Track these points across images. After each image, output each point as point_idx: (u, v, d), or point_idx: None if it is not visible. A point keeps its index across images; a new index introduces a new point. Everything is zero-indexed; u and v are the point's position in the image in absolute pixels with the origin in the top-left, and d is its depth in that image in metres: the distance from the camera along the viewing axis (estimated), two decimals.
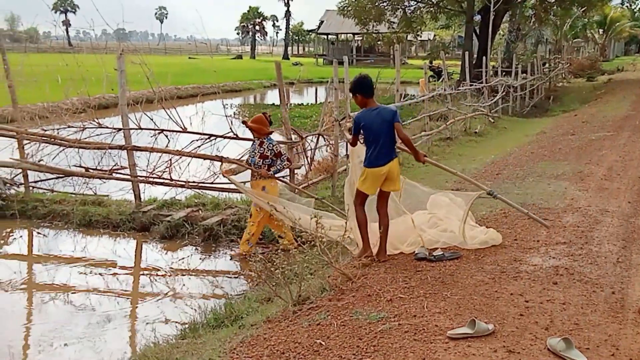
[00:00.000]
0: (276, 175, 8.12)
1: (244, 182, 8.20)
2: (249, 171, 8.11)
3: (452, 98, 18.04)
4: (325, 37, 72.46)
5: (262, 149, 7.96)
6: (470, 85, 20.60)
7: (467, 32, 32.33)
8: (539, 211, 7.81)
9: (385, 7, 34.08)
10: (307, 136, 10.17)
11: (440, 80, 20.71)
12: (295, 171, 9.45)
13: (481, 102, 20.29)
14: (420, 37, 51.07)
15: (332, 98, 10.61)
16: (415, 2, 34.77)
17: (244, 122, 8.07)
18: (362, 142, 6.26)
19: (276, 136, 17.60)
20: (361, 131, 6.15)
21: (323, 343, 4.30)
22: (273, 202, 7.41)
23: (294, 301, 5.23)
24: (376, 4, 33.33)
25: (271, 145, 7.98)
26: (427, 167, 12.60)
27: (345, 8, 34.81)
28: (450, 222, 6.78)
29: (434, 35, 66.30)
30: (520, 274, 5.55)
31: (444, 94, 16.91)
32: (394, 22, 35.85)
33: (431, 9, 34.80)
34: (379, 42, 52.75)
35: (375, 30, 37.08)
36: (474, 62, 29.80)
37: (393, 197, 6.62)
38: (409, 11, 35.17)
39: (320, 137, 10.29)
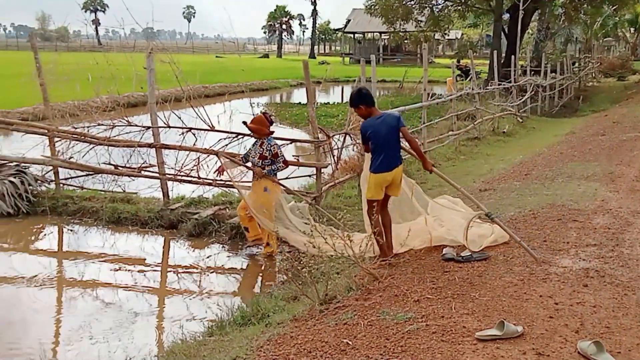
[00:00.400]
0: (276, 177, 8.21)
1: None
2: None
3: (480, 97, 17.90)
4: (352, 35, 72.35)
5: (261, 149, 7.98)
6: (499, 84, 20.41)
7: (496, 30, 32.02)
8: (569, 212, 7.70)
9: (413, 6, 33.92)
10: (333, 135, 10.15)
11: (468, 79, 20.55)
12: (322, 170, 9.43)
13: (509, 102, 20.11)
14: (448, 35, 50.86)
15: None
16: (443, 1, 34.57)
17: (244, 123, 8.09)
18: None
19: (302, 134, 17.73)
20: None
21: (350, 343, 4.29)
22: (275, 210, 7.77)
23: (321, 300, 5.23)
24: (403, 2, 33.18)
25: (269, 146, 7.98)
26: (454, 166, 12.57)
27: (373, 7, 34.67)
28: (454, 223, 6.80)
29: (462, 34, 65.86)
30: (550, 275, 5.48)
31: (471, 93, 16.77)
32: (421, 21, 35.63)
33: (459, 7, 34.54)
34: (405, 41, 52.36)
35: (403, 29, 36.87)
36: (502, 61, 29.50)
37: (408, 198, 6.81)
38: (437, 10, 34.98)
39: (347, 136, 10.26)
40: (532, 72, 26.99)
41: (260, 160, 7.96)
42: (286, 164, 8.20)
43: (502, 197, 8.90)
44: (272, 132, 8.10)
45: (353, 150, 10.63)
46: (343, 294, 5.34)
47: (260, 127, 7.92)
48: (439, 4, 34.88)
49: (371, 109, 6.26)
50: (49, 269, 8.08)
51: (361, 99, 6.25)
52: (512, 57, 23.82)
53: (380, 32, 63.00)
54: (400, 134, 6.22)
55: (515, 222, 7.40)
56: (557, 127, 19.59)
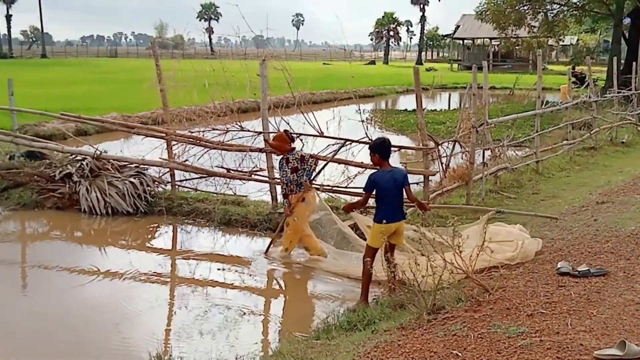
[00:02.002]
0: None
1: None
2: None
3: (597, 106, 17.09)
4: (461, 42, 71.16)
5: (290, 164, 8.12)
6: (618, 92, 19.40)
7: (615, 36, 30.48)
8: None
9: (526, 11, 32.90)
10: (442, 142, 10.02)
11: (584, 86, 19.67)
12: (430, 178, 9.32)
13: (629, 111, 19.06)
14: (562, 41, 48.86)
15: (469, 104, 10.38)
16: (558, 6, 33.28)
17: (265, 141, 8.26)
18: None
19: (408, 141, 17.61)
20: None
21: (459, 354, 4.21)
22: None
23: (429, 310, 5.17)
24: (516, 7, 32.25)
25: (295, 156, 8.15)
26: (568, 178, 12.06)
27: (484, 12, 33.97)
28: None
29: (577, 40, 63.17)
30: None
31: (588, 101, 16.05)
32: (534, 26, 34.51)
33: (575, 12, 33.13)
34: (517, 47, 50.94)
35: (514, 34, 35.88)
36: (621, 68, 28.03)
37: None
38: (551, 15, 33.73)
39: (457, 143, 10.09)
40: None
41: (294, 174, 8.11)
42: (315, 158, 8.45)
43: (621, 211, 8.44)
44: (293, 148, 8.28)
45: (462, 158, 10.45)
46: (452, 304, 5.24)
47: (281, 144, 8.19)
48: (554, 9, 33.62)
49: (384, 162, 6.56)
50: (163, 266, 8.47)
51: (380, 149, 6.56)
52: (634, 63, 22.56)
53: (491, 38, 61.55)
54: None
55: (636, 237, 6.99)
56: None
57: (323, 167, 9.33)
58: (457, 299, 5.35)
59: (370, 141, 9.07)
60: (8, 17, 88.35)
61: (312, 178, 8.47)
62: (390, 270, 6.13)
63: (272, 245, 8.58)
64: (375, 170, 6.69)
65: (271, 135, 9.24)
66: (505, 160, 11.73)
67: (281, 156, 8.33)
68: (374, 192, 6.57)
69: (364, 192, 6.75)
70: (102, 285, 7.57)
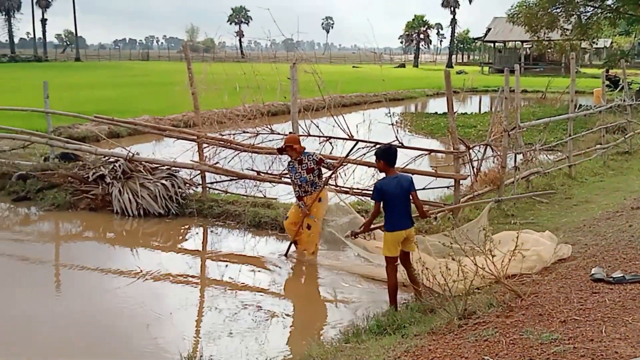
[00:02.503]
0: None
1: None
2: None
3: (632, 109, 16.79)
4: (492, 44, 70.53)
5: (304, 165, 8.23)
6: None
7: None
8: None
9: (559, 14, 32.42)
10: (474, 146, 9.94)
11: (618, 90, 19.34)
12: (460, 182, 9.25)
13: None
14: (596, 44, 48.14)
15: (501, 107, 10.28)
16: (592, 8, 32.75)
17: (289, 146, 8.25)
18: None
19: (438, 145, 17.51)
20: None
21: None
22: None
23: (459, 315, 5.12)
24: (549, 10, 31.82)
25: (310, 157, 8.26)
26: (601, 182, 11.88)
27: (516, 15, 33.58)
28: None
29: (611, 42, 62.14)
30: None
31: (622, 104, 15.78)
32: (567, 29, 34.02)
33: (609, 14, 32.57)
34: (549, 50, 50.24)
35: (547, 37, 35.39)
36: None
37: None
38: (585, 17, 33.20)
39: (488, 147, 10.00)
40: None
41: (310, 174, 8.22)
42: (321, 162, 8.37)
43: None
44: (304, 148, 8.36)
45: (493, 162, 10.35)
46: (483, 309, 5.18)
47: (300, 146, 8.28)
48: (588, 11, 33.08)
49: (389, 168, 6.48)
50: (193, 267, 8.55)
51: (385, 156, 6.49)
52: None
53: (522, 41, 60.83)
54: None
55: None
56: None
57: (335, 168, 9.34)
58: (489, 304, 5.29)
59: (400, 144, 9.08)
60: (43, 21, 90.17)
61: (329, 176, 8.58)
62: (413, 276, 6.22)
63: (291, 248, 8.61)
64: (381, 178, 6.64)
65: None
66: (537, 165, 11.60)
67: (294, 160, 8.36)
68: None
69: (373, 203, 6.67)
70: (133, 286, 7.66)
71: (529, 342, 4.36)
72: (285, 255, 8.58)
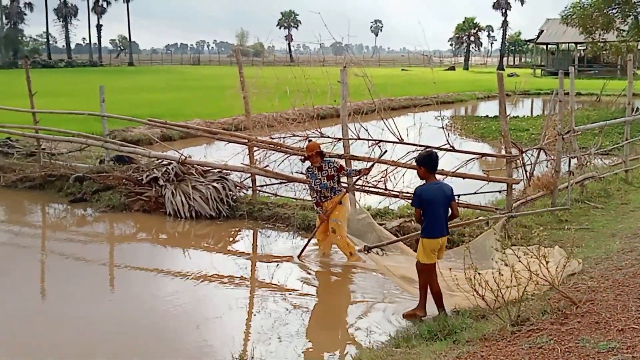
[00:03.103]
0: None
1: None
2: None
3: None
4: (545, 46, 69.18)
5: (324, 171, 8.37)
6: None
7: None
8: None
9: (615, 14, 31.59)
10: (527, 150, 9.76)
11: None
12: (513, 186, 9.09)
13: None
14: None
15: (555, 110, 10.07)
16: None
17: (315, 153, 8.37)
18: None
19: (489, 148, 17.26)
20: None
21: None
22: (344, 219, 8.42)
23: (512, 321, 5.04)
24: (604, 11, 31.03)
25: (331, 164, 8.41)
26: None
27: (569, 16, 32.85)
28: None
29: None
30: None
31: None
32: (623, 30, 33.10)
33: None
34: (604, 52, 48.97)
35: (602, 39, 34.50)
36: None
37: None
38: None
39: (541, 151, 9.81)
40: None
41: (330, 181, 8.36)
42: (341, 169, 8.55)
43: None
44: (325, 154, 8.54)
45: (547, 166, 10.15)
46: (537, 316, 5.08)
47: (320, 152, 8.40)
48: None
49: (430, 175, 6.42)
50: (243, 270, 8.63)
51: (427, 162, 6.42)
52: None
53: (576, 43, 59.48)
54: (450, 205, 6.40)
55: None
56: None
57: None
58: (543, 311, 5.19)
59: (452, 148, 8.99)
60: (98, 27, 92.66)
61: (355, 181, 8.95)
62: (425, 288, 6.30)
63: (305, 249, 8.73)
64: (421, 184, 6.58)
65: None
66: (592, 169, 11.32)
67: (313, 167, 8.48)
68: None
69: (414, 209, 6.62)
70: (184, 287, 7.80)
71: (585, 351, 4.27)
72: (299, 256, 8.65)
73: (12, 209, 11.92)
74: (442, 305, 6.35)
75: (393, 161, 9.44)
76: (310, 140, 9.13)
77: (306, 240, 8.86)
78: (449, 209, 6.39)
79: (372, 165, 8.90)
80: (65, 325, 6.77)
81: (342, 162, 9.27)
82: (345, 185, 8.90)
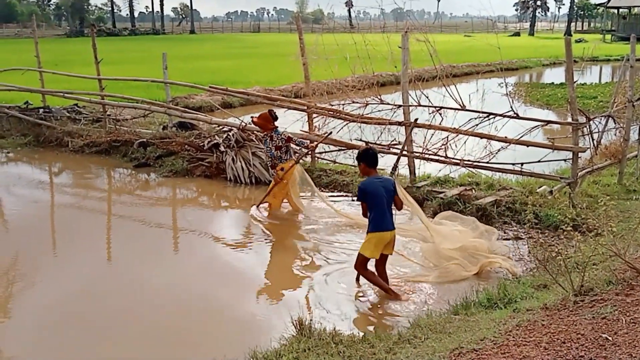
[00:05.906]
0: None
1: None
2: None
3: None
4: (616, 11, 66.29)
5: (274, 142, 8.95)
6: None
7: None
8: None
9: None
10: (594, 117, 9.44)
11: None
12: (579, 155, 8.83)
13: None
14: None
15: (626, 77, 9.68)
16: None
17: (252, 119, 9.39)
18: None
19: (553, 116, 16.80)
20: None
21: (610, 338, 3.99)
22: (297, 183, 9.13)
23: (575, 291, 4.92)
24: None
25: (280, 136, 8.95)
26: None
27: None
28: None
29: None
30: None
31: None
32: None
33: None
34: None
35: None
36: None
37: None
38: None
39: (610, 118, 9.47)
40: None
41: (278, 151, 8.96)
42: (289, 140, 9.10)
43: None
44: (276, 127, 9.02)
45: (615, 134, 9.81)
46: (601, 286, 4.95)
47: (264, 123, 8.99)
48: None
49: (370, 170, 6.56)
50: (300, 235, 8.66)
51: (365, 158, 6.57)
52: None
53: None
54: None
55: None
56: None
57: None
58: (607, 281, 5.05)
59: (515, 115, 8.78)
60: None
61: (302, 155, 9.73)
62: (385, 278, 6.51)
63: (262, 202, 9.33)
64: (364, 180, 6.64)
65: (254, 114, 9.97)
66: None
67: (265, 133, 9.11)
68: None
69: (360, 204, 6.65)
70: (243, 253, 7.96)
71: None
72: (257, 206, 9.34)
73: (80, 173, 12.33)
74: (379, 285, 6.46)
75: (454, 128, 9.29)
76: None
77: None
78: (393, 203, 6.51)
79: (319, 142, 9.80)
80: (127, 288, 6.94)
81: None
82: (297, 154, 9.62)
